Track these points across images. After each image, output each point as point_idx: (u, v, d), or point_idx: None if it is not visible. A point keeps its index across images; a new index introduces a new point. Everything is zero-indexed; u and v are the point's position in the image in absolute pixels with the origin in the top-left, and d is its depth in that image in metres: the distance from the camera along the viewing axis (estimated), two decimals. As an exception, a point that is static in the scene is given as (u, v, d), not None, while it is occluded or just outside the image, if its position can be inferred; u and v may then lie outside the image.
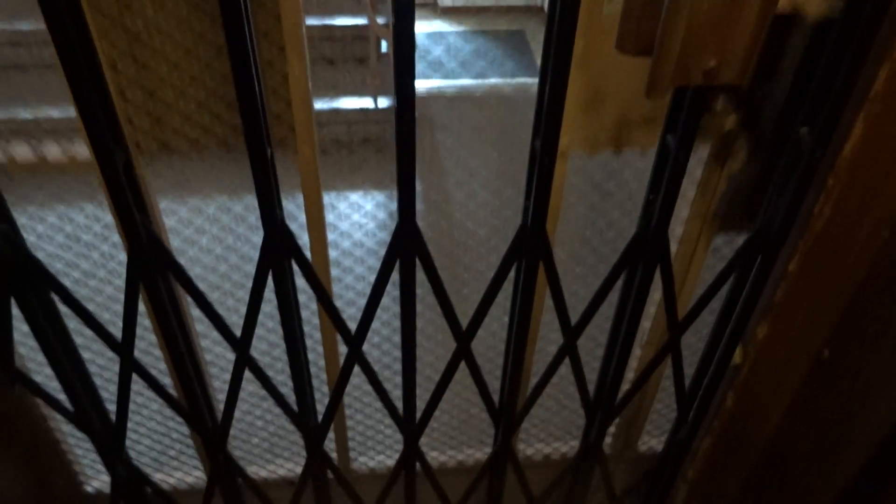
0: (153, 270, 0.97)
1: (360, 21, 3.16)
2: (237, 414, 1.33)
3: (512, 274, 1.06)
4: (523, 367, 1.16)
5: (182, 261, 0.99)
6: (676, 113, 0.89)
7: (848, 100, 0.88)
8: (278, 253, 0.96)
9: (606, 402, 1.24)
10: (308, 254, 1.01)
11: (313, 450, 1.26)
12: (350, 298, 1.48)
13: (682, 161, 0.93)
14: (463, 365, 1.16)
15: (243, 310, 1.02)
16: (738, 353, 1.20)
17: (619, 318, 1.15)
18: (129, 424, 1.23)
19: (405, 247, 0.97)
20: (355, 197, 2.23)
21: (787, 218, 1.00)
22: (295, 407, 1.18)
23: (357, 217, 2.00)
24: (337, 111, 2.96)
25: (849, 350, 1.09)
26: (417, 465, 1.32)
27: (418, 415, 1.22)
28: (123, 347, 1.05)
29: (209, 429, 1.20)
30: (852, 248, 0.98)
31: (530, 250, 1.00)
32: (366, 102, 2.97)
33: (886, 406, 1.04)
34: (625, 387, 1.24)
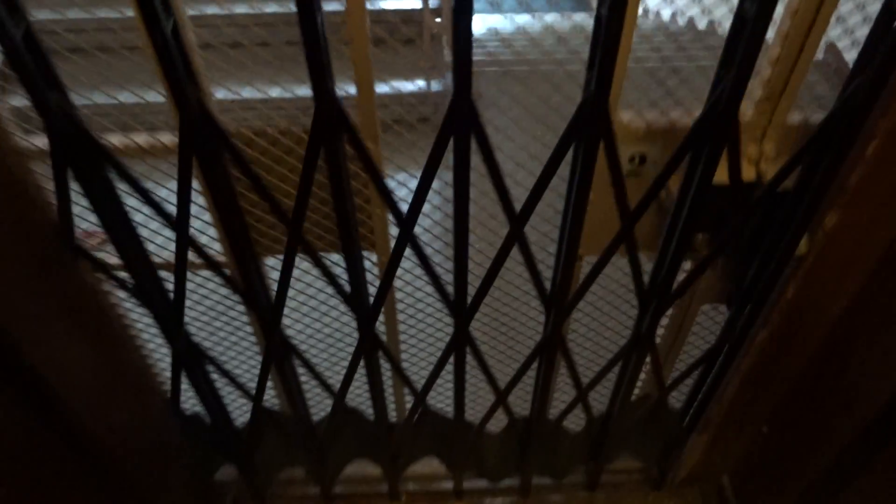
0: (204, 143, 0.96)
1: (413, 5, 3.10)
2: (292, 294, 1.35)
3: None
4: (577, 251, 1.13)
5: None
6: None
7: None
8: (330, 127, 0.93)
9: (661, 291, 1.21)
10: (360, 130, 0.98)
11: (365, 332, 1.27)
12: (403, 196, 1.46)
13: (759, 32, 0.85)
14: (515, 252, 1.14)
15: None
16: (804, 243, 1.15)
17: (680, 202, 1.11)
18: (188, 303, 1.27)
19: (460, 123, 0.94)
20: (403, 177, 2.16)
21: (869, 97, 0.93)
22: (347, 288, 1.19)
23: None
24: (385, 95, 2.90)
25: (925, 241, 1.03)
26: (467, 350, 1.33)
27: (469, 299, 1.22)
28: (179, 223, 1.05)
29: (264, 307, 1.22)
30: (942, 128, 0.91)
31: (591, 126, 0.96)
32: (417, 85, 2.91)
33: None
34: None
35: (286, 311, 1.29)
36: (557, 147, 0.99)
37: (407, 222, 1.07)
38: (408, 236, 1.09)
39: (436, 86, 3.36)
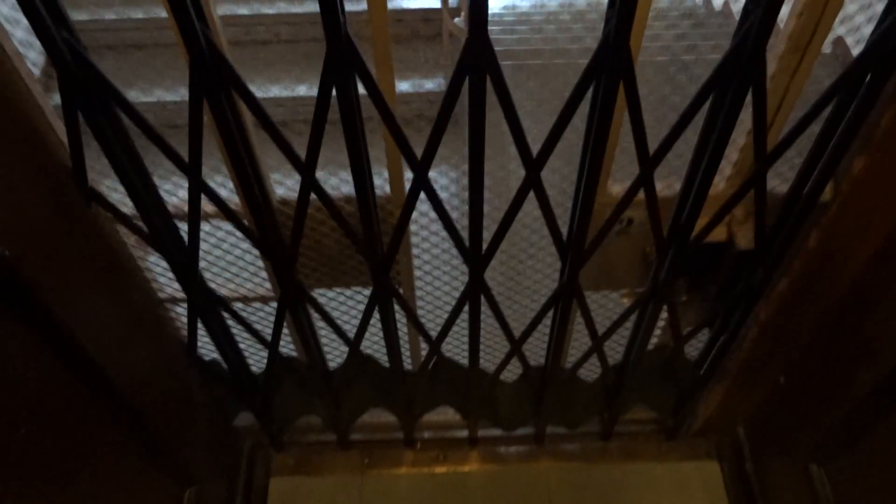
0: (215, 84, 0.94)
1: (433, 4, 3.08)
2: (306, 243, 1.35)
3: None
4: (595, 197, 1.11)
5: (244, 76, 0.95)
6: None
7: None
8: (342, 65, 0.91)
9: (681, 238, 1.19)
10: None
11: (378, 279, 1.27)
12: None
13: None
14: (532, 200, 1.12)
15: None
16: (829, 189, 1.12)
17: (701, 147, 1.08)
18: (204, 247, 1.26)
19: (475, 61, 0.91)
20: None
21: (907, 32, 0.88)
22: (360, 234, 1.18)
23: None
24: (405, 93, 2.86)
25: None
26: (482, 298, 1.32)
27: (485, 247, 1.21)
28: (191, 166, 1.04)
29: (277, 253, 1.21)
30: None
31: (611, 67, 0.92)
32: (437, 82, 2.86)
33: None
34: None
35: (302, 260, 1.28)
36: (577, 86, 0.97)
37: (421, 165, 1.05)
38: (421, 181, 1.07)
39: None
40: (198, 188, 1.09)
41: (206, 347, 1.49)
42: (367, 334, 1.46)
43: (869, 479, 1.36)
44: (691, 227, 1.18)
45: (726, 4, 2.63)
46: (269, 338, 1.44)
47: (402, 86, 2.88)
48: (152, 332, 1.34)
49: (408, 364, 1.65)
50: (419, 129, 1.15)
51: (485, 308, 1.35)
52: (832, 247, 1.19)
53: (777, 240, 1.21)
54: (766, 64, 0.93)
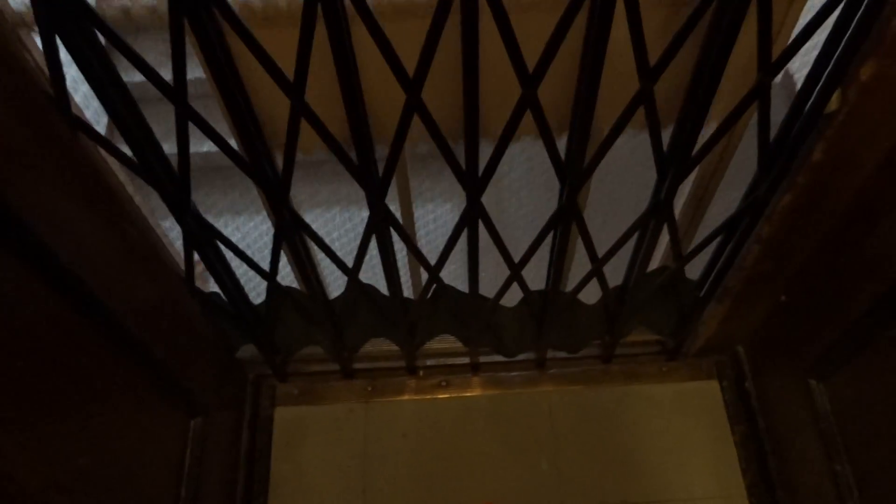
0: (197, 4, 0.90)
1: None
2: (300, 174, 1.32)
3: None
4: (593, 113, 1.08)
5: None
6: None
7: None
8: (327, -22, 0.87)
9: (682, 155, 1.17)
10: None
11: (375, 206, 1.25)
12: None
13: None
14: (528, 119, 1.09)
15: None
16: (836, 99, 1.08)
17: (704, 58, 1.04)
18: (198, 178, 1.24)
19: (466, -31, 0.87)
20: None
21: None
22: (355, 159, 1.15)
23: None
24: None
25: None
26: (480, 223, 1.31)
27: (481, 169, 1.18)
28: (177, 91, 1.01)
29: (271, 181, 1.19)
30: None
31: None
32: None
33: None
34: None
35: (299, 189, 1.26)
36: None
37: (413, 84, 1.02)
38: (414, 104, 1.04)
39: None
40: (184, 114, 1.06)
41: (209, 281, 1.48)
42: (366, 261, 1.45)
43: (866, 392, 1.37)
44: (693, 142, 1.16)
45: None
46: (267, 268, 1.43)
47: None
48: (149, 264, 1.33)
49: (408, 292, 1.65)
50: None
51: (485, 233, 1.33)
52: (837, 159, 1.17)
53: (781, 154, 1.18)
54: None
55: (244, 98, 1.09)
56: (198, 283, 1.46)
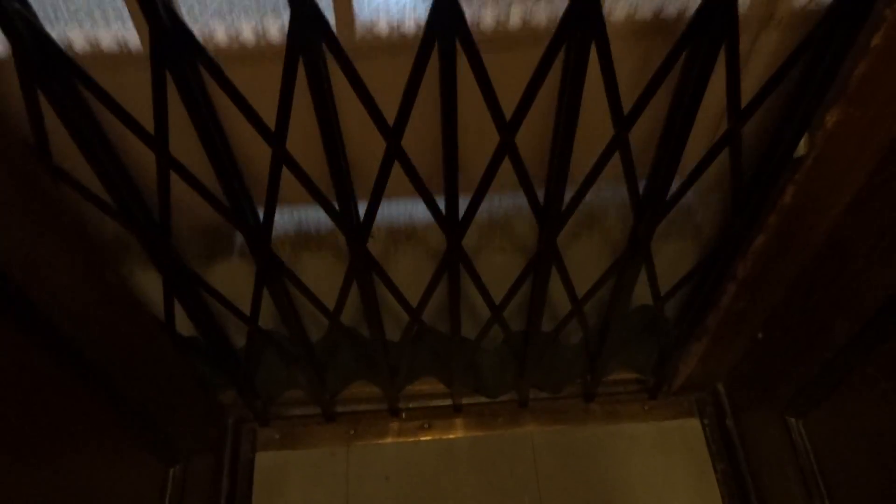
0: (179, 57, 0.91)
1: None
2: (283, 219, 1.33)
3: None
4: (570, 158, 1.10)
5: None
6: None
7: None
8: (307, 34, 0.89)
9: (657, 198, 1.19)
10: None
11: (356, 250, 1.25)
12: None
13: None
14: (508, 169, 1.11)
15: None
16: (804, 144, 1.12)
17: (675, 105, 1.07)
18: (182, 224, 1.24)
19: (444, 26, 0.89)
20: None
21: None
22: (336, 205, 1.16)
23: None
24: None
25: (928, 135, 1.00)
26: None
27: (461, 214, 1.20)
28: (158, 140, 1.02)
29: (251, 226, 1.19)
30: (950, 14, 0.87)
31: (582, 25, 0.91)
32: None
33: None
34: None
35: (282, 231, 1.27)
36: (548, 48, 0.95)
37: (393, 132, 1.04)
38: (395, 149, 1.06)
39: None
40: (166, 162, 1.07)
41: (189, 325, 1.47)
42: (349, 305, 1.45)
43: (843, 429, 1.39)
44: (667, 186, 1.18)
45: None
46: (248, 312, 1.43)
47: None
48: (128, 310, 1.32)
49: (390, 333, 1.65)
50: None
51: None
52: (807, 201, 1.20)
53: (753, 196, 1.21)
54: (738, 19, 0.93)
55: (225, 144, 1.10)
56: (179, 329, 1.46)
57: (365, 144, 1.14)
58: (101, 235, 1.25)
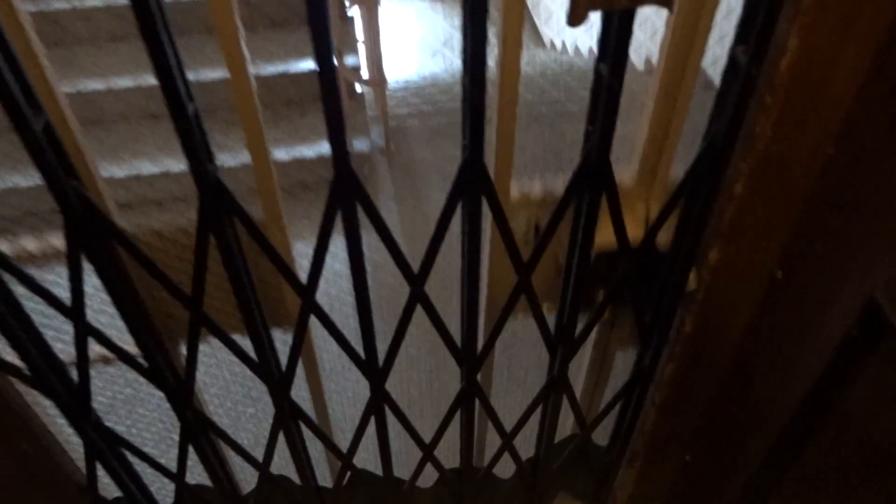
0: (91, 236, 0.96)
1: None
2: (211, 373, 1.34)
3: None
4: (477, 308, 1.16)
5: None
6: (605, 39, 0.87)
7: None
8: (216, 212, 0.95)
9: (567, 336, 1.25)
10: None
11: (279, 401, 1.27)
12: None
13: (615, 89, 0.91)
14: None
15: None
16: (693, 279, 1.20)
17: (571, 250, 1.15)
18: (106, 392, 1.24)
19: (343, 192, 0.96)
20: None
21: (730, 138, 0.99)
22: (255, 356, 1.19)
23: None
24: (301, 160, 2.98)
25: (800, 268, 1.09)
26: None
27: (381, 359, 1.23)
28: (74, 310, 1.04)
29: (173, 386, 1.20)
30: (796, 166, 0.98)
31: (473, 185, 0.99)
32: (315, 150, 3.02)
33: (838, 318, 1.05)
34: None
35: (207, 388, 1.28)
36: (445, 206, 1.03)
37: (307, 291, 1.08)
38: (309, 306, 1.10)
39: (360, 144, 3.44)
40: (83, 331, 1.08)
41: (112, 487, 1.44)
42: (281, 453, 1.44)
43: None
44: (573, 324, 1.25)
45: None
46: (174, 470, 1.41)
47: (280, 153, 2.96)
48: (47, 478, 1.29)
49: (323, 479, 1.63)
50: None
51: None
52: (706, 330, 1.27)
53: (657, 327, 1.28)
54: (614, 173, 1.03)
55: (139, 305, 1.13)
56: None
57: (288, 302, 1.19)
58: (16, 399, 1.24)
